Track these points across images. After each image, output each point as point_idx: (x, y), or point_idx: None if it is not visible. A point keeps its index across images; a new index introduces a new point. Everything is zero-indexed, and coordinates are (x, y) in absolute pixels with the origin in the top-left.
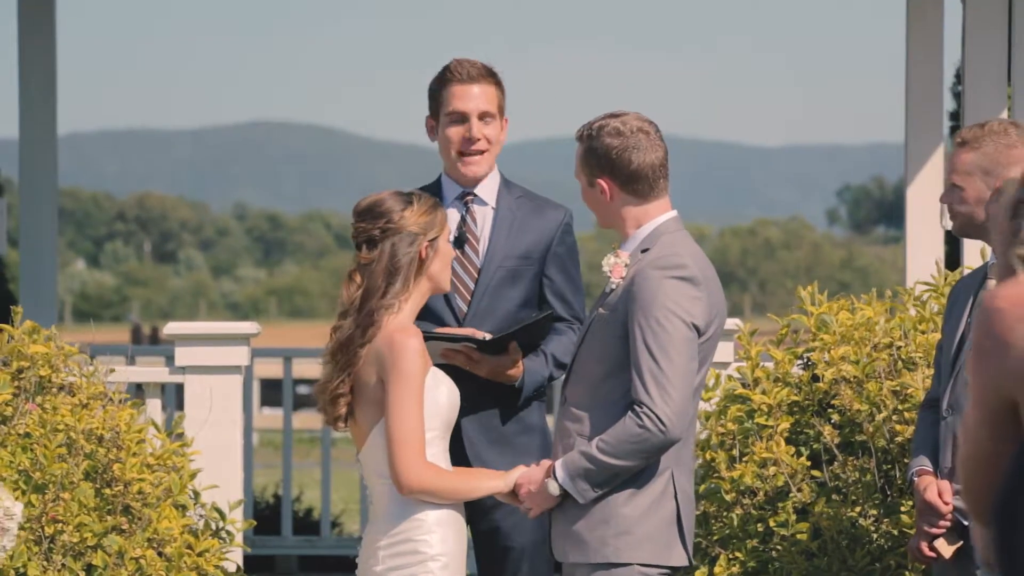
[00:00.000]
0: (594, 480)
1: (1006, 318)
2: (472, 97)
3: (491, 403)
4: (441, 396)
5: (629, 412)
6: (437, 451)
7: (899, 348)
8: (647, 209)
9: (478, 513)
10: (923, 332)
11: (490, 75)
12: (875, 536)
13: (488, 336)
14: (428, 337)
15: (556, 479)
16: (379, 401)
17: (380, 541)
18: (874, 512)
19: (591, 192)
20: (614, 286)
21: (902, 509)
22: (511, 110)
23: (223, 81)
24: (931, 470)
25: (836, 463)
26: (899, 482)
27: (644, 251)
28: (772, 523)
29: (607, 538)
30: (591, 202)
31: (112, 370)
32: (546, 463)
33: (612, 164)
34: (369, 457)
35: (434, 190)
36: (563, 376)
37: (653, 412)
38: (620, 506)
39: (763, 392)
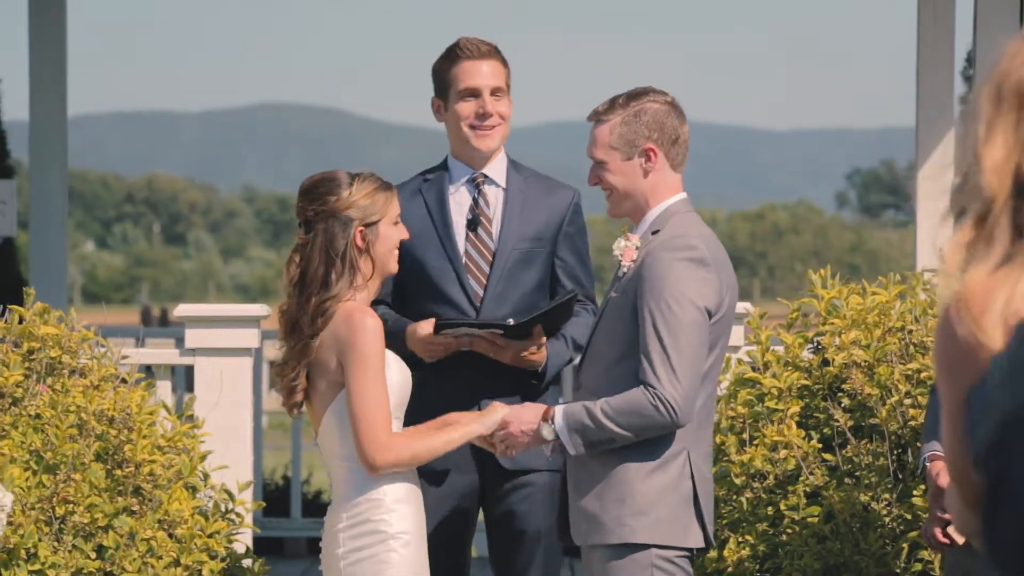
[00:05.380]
0: (589, 439)
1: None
2: (483, 74)
3: (511, 390)
4: (392, 376)
5: (642, 387)
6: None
7: (910, 332)
8: (669, 183)
9: (493, 498)
10: (935, 316)
11: (498, 53)
12: (888, 520)
13: (511, 321)
14: (451, 325)
15: (552, 424)
16: (335, 383)
17: (340, 524)
18: (887, 496)
19: (626, 166)
20: (625, 269)
21: (915, 493)
22: (526, 91)
23: (231, 63)
24: (943, 455)
25: (849, 447)
26: (912, 466)
27: (655, 233)
28: (783, 506)
29: (623, 518)
30: (620, 178)
31: (125, 356)
32: (539, 406)
33: (662, 127)
34: (325, 439)
35: (441, 172)
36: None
37: (663, 395)
38: (637, 485)
39: (773, 376)
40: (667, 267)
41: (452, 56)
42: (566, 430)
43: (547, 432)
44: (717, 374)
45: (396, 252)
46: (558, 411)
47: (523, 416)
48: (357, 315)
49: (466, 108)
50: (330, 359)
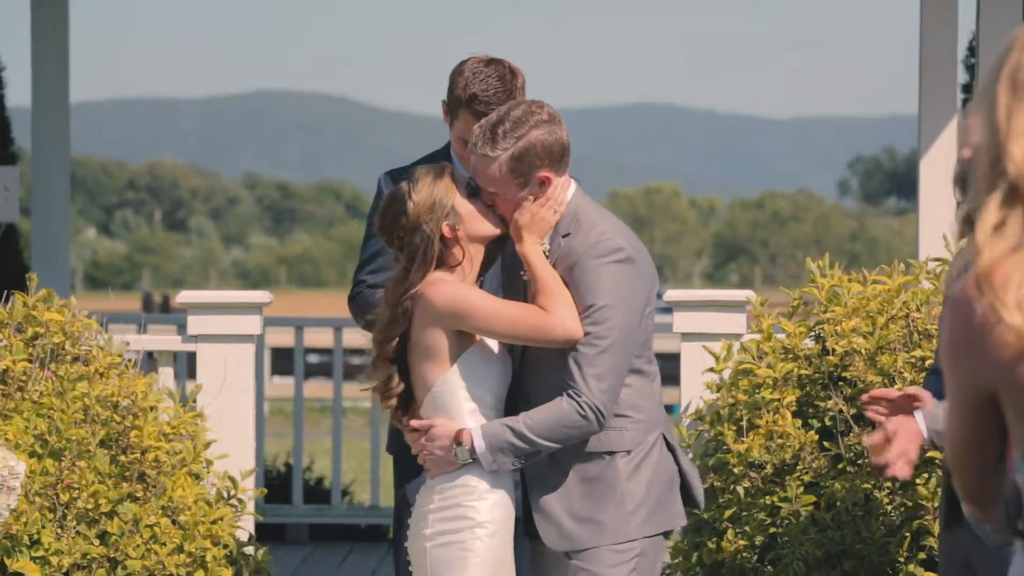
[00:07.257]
0: (521, 455)
1: (979, 310)
2: None
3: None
4: (495, 366)
5: (566, 397)
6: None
7: (914, 320)
8: (562, 186)
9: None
10: (940, 304)
11: (510, 95)
12: (889, 508)
13: None
14: None
15: (473, 448)
16: (436, 358)
17: (431, 505)
18: (888, 484)
19: (522, 193)
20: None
21: (918, 482)
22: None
23: (232, 49)
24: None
25: (851, 435)
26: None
27: (565, 236)
28: (777, 497)
29: (625, 516)
30: (517, 204)
31: (127, 344)
32: (451, 426)
33: (550, 152)
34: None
35: (443, 157)
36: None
37: (593, 403)
38: (626, 482)
39: (768, 366)
40: (597, 274)
41: (468, 92)
42: (488, 451)
43: (462, 456)
44: (653, 355)
45: (483, 216)
46: (476, 434)
47: (436, 434)
48: (427, 291)
49: (463, 152)
50: (424, 342)
